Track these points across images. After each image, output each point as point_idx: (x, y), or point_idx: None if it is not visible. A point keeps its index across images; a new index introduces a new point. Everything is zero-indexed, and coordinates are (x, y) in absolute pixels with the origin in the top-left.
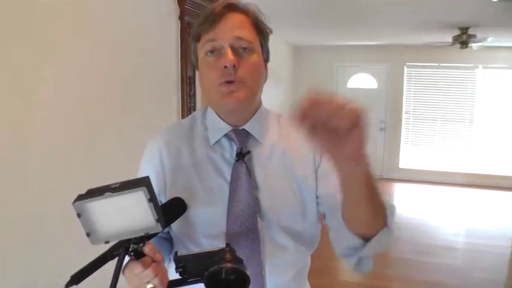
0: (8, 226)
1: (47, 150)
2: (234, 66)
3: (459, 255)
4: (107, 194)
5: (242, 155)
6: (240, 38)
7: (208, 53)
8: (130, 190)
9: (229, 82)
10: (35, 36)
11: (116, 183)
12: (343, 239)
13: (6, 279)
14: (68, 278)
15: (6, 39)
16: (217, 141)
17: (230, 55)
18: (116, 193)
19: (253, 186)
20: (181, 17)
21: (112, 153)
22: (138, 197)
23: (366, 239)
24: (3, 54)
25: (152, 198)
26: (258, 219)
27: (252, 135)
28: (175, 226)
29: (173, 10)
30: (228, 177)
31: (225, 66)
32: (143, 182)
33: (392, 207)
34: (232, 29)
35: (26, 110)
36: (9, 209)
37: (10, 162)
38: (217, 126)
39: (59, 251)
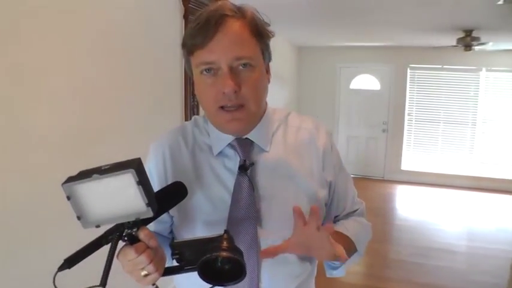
0: (9, 224)
1: (49, 150)
2: (234, 92)
3: (460, 258)
4: (95, 176)
5: (245, 168)
6: (239, 58)
7: (204, 72)
8: (119, 172)
9: (229, 108)
10: (38, 34)
11: (107, 165)
12: None
13: (6, 276)
14: (67, 277)
15: (7, 38)
16: (221, 151)
17: (230, 81)
18: (104, 175)
19: (256, 198)
20: (185, 16)
21: (114, 152)
22: (127, 179)
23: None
24: (4, 53)
25: (142, 181)
26: (260, 231)
27: (256, 144)
28: (176, 231)
29: (177, 9)
30: (230, 187)
31: (224, 92)
32: (132, 164)
33: (364, 242)
34: (229, 47)
35: (27, 109)
36: (10, 208)
37: (11, 162)
38: (220, 136)
39: (59, 249)
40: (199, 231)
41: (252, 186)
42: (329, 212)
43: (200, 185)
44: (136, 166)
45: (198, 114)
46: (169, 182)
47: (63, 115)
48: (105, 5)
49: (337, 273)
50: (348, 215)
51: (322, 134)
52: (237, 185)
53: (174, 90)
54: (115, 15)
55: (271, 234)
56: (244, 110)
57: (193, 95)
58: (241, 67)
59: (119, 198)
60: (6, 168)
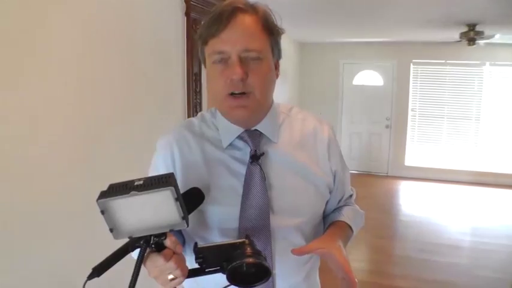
0: (11, 224)
1: (53, 149)
2: (241, 79)
3: (465, 253)
4: (133, 192)
5: (256, 157)
6: (248, 50)
7: (216, 61)
8: (157, 189)
9: (236, 95)
10: (37, 34)
11: (139, 180)
12: None
13: (9, 275)
14: (70, 275)
15: (7, 36)
16: (230, 143)
17: (238, 68)
18: (142, 192)
19: (267, 186)
20: (187, 13)
21: (118, 150)
22: (165, 196)
23: None
24: (5, 52)
25: (179, 197)
26: (271, 218)
27: (264, 135)
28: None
29: (179, 6)
30: (241, 177)
31: (232, 79)
32: (170, 181)
33: (359, 226)
34: (240, 38)
35: (29, 109)
36: (13, 208)
37: (15, 161)
38: (229, 129)
39: (61, 248)
40: (211, 223)
41: (264, 175)
42: (333, 197)
43: (211, 176)
44: (174, 183)
45: (201, 111)
46: (178, 175)
47: (65, 114)
48: (107, 2)
49: None
50: (346, 200)
51: (325, 126)
52: (249, 174)
53: (176, 88)
54: (116, 12)
55: (283, 221)
56: (250, 97)
57: (196, 93)
58: (250, 58)
59: (154, 212)
60: (6, 166)
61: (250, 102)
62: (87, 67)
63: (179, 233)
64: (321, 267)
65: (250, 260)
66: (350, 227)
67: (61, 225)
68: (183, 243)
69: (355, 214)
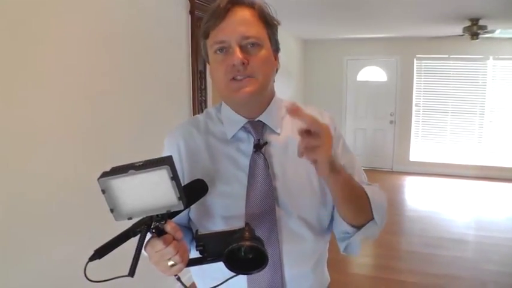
0: (12, 224)
1: (57, 144)
2: (242, 63)
3: (470, 247)
4: (131, 171)
5: (260, 146)
6: (247, 37)
7: (218, 51)
8: (154, 168)
9: (238, 79)
10: (45, 32)
11: (140, 162)
12: (340, 224)
13: (10, 276)
14: (70, 278)
15: (13, 35)
16: (234, 134)
17: (238, 53)
18: (140, 171)
19: (271, 176)
20: (191, 12)
21: (124, 147)
22: (161, 175)
23: (357, 227)
24: (15, 50)
25: (175, 177)
26: (276, 208)
27: (267, 126)
28: (193, 215)
29: (184, 5)
30: (246, 168)
31: (234, 64)
32: (166, 161)
33: (380, 206)
34: (238, 27)
35: (36, 106)
36: (15, 209)
37: (18, 161)
38: (233, 120)
39: (61, 249)
40: (217, 214)
41: (267, 163)
42: None
43: (216, 169)
44: (170, 163)
45: (206, 108)
46: (184, 169)
47: (72, 112)
48: (113, 2)
49: (351, 249)
50: None
51: (326, 118)
52: (253, 163)
53: (182, 85)
54: (122, 12)
55: (287, 211)
56: (252, 80)
57: (201, 90)
58: (249, 46)
59: (152, 192)
60: (11, 166)
61: (251, 84)
62: (93, 67)
63: (189, 229)
64: (329, 261)
65: (247, 243)
66: (366, 196)
67: (62, 226)
68: (191, 239)
69: (372, 188)
